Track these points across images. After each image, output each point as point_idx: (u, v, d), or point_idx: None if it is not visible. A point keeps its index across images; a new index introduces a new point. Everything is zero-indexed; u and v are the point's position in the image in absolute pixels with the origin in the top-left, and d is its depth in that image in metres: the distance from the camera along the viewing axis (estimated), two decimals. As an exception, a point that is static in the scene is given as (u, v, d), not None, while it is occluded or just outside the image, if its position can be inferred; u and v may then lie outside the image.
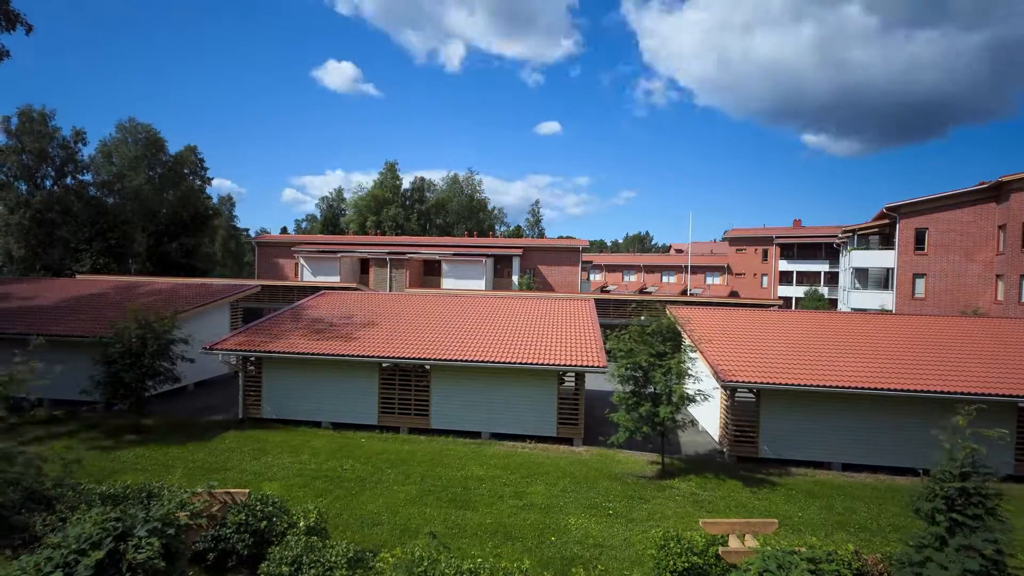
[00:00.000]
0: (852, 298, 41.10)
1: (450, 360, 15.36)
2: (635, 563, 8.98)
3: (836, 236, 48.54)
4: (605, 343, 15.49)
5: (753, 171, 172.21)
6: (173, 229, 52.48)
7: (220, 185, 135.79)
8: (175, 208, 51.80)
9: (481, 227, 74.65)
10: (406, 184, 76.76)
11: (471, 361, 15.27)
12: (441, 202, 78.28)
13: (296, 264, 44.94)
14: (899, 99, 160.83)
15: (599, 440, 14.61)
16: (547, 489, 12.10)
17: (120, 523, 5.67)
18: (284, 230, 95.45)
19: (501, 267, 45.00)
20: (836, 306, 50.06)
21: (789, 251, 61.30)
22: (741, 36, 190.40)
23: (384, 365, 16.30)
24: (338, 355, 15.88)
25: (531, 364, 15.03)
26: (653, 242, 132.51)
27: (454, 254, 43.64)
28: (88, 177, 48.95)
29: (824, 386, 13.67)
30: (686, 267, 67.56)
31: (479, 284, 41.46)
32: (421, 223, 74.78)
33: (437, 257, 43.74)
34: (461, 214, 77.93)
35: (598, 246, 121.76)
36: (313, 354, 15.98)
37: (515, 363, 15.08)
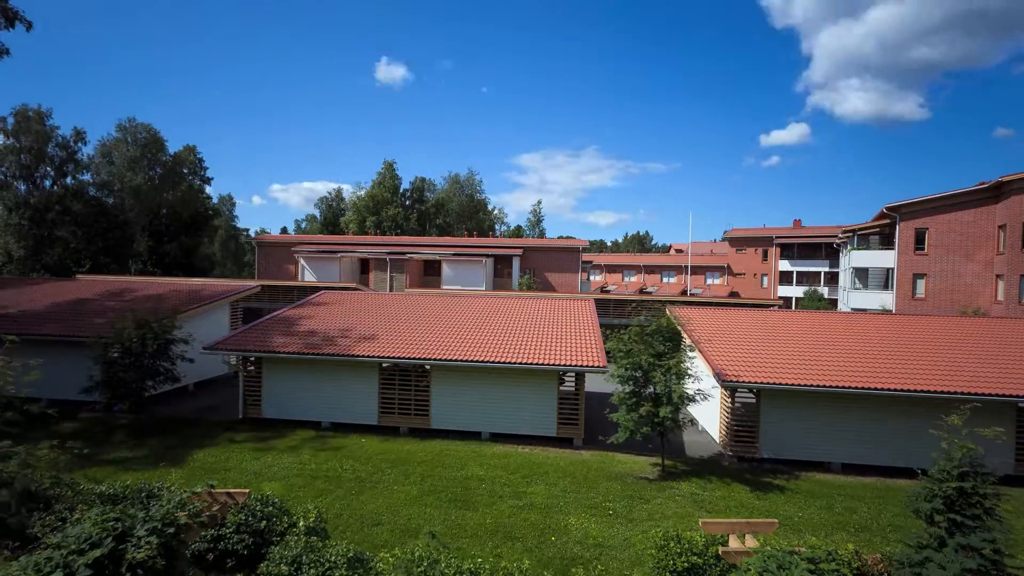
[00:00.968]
0: (852, 298, 41.11)
1: (450, 360, 15.36)
2: (635, 563, 8.99)
3: (836, 236, 48.55)
4: (605, 343, 15.49)
5: (753, 170, 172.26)
6: (173, 229, 52.50)
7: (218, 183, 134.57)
8: (175, 208, 51.81)
9: (481, 227, 74.64)
10: (405, 184, 76.75)
11: (471, 361, 15.27)
12: (441, 202, 78.28)
13: (296, 264, 44.94)
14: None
15: (599, 440, 14.61)
16: (547, 489, 12.10)
17: (120, 523, 5.67)
18: (284, 230, 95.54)
19: (501, 267, 45.00)
20: (836, 306, 50.06)
21: (789, 251, 61.30)
22: None
23: (384, 365, 16.31)
24: (338, 355, 15.88)
25: (531, 364, 15.03)
26: (653, 242, 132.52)
27: (454, 254, 43.63)
28: (88, 177, 48.98)
29: (824, 386, 13.67)
30: (686, 267, 67.58)
31: (479, 284, 41.46)
32: (421, 223, 74.77)
33: (437, 257, 43.73)
34: (461, 214, 77.94)
35: (598, 246, 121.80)
36: (313, 354, 15.98)
37: (515, 363, 15.08)
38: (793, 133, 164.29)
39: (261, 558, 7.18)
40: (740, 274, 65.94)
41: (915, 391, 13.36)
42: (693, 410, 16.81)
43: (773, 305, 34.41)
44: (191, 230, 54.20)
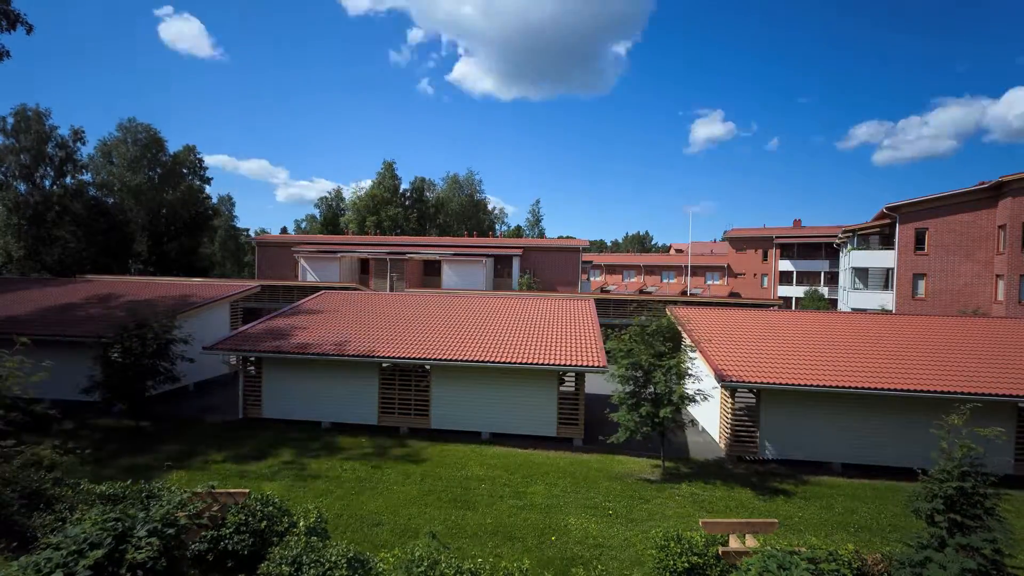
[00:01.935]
0: (852, 298, 41.11)
1: (450, 360, 15.36)
2: (635, 563, 8.98)
3: (836, 236, 48.54)
4: (605, 343, 15.49)
5: (753, 170, 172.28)
6: (173, 229, 52.53)
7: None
8: (175, 208, 51.83)
9: (481, 227, 74.65)
10: (405, 184, 76.77)
11: (471, 361, 15.27)
12: (441, 202, 78.29)
13: (296, 264, 44.94)
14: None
15: (599, 440, 14.60)
16: (547, 489, 12.10)
17: (120, 523, 5.68)
18: (284, 230, 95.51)
19: (501, 267, 44.99)
20: (836, 306, 50.06)
21: (789, 251, 61.30)
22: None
23: (384, 365, 16.30)
24: (338, 355, 15.88)
25: (531, 364, 15.03)
26: (653, 242, 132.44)
27: (454, 254, 43.63)
28: (87, 177, 48.98)
29: (824, 386, 13.66)
30: (686, 267, 67.57)
31: (479, 284, 41.45)
32: (421, 223, 74.77)
33: (437, 257, 43.73)
34: (461, 214, 77.94)
35: (598, 246, 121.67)
36: (313, 354, 15.98)
37: (515, 363, 15.08)
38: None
39: (261, 558, 7.17)
40: (740, 274, 65.93)
41: (915, 391, 13.35)
42: (693, 410, 16.80)
43: (773, 305, 34.44)
44: (191, 230, 54.23)
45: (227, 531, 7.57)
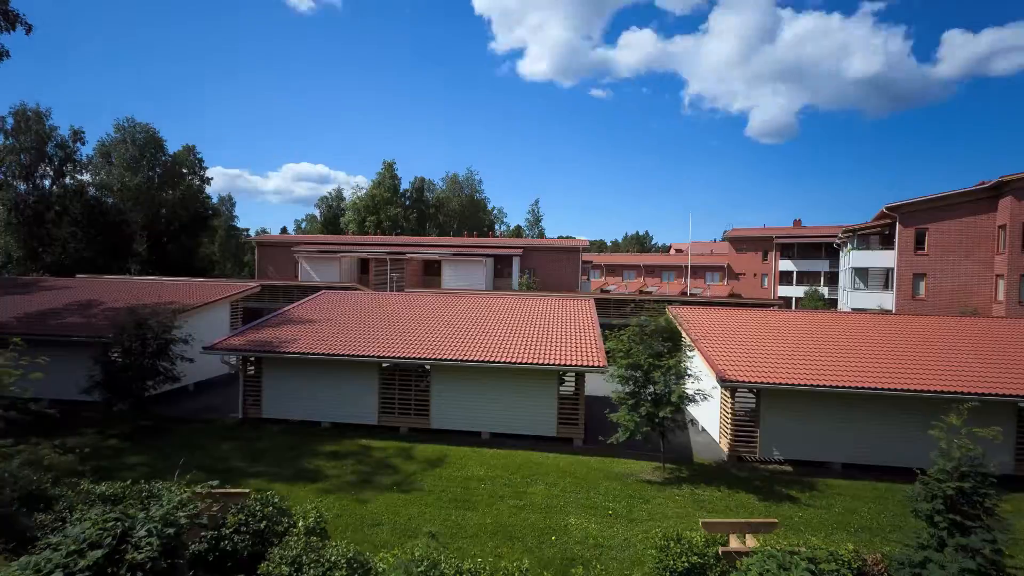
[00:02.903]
0: (852, 298, 41.12)
1: (450, 360, 15.36)
2: (635, 563, 8.98)
3: (836, 236, 48.55)
4: (605, 343, 15.49)
5: (753, 170, 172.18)
6: (172, 229, 52.51)
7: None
8: (174, 208, 51.82)
9: (481, 227, 74.65)
10: (405, 184, 76.80)
11: (471, 361, 15.27)
12: (441, 202, 78.29)
13: (296, 264, 44.94)
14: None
15: (599, 440, 14.61)
16: (547, 489, 12.10)
17: (120, 523, 5.67)
18: (284, 230, 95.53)
19: (501, 267, 45.00)
20: (836, 306, 50.06)
21: (789, 251, 61.30)
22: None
23: (384, 365, 16.30)
24: (338, 355, 15.88)
25: (531, 364, 15.03)
26: (653, 242, 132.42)
27: (454, 254, 43.65)
28: (87, 177, 48.97)
29: (824, 386, 13.67)
30: (686, 267, 67.57)
31: (479, 284, 41.46)
32: (421, 223, 74.78)
33: (437, 257, 43.74)
34: (461, 214, 77.95)
35: (598, 246, 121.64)
36: (313, 354, 15.98)
37: (515, 363, 15.08)
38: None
39: (262, 558, 7.17)
40: (740, 274, 65.94)
41: (915, 391, 13.36)
42: (693, 410, 16.81)
43: (773, 305, 34.45)
44: (191, 230, 54.22)
45: (227, 531, 7.57)
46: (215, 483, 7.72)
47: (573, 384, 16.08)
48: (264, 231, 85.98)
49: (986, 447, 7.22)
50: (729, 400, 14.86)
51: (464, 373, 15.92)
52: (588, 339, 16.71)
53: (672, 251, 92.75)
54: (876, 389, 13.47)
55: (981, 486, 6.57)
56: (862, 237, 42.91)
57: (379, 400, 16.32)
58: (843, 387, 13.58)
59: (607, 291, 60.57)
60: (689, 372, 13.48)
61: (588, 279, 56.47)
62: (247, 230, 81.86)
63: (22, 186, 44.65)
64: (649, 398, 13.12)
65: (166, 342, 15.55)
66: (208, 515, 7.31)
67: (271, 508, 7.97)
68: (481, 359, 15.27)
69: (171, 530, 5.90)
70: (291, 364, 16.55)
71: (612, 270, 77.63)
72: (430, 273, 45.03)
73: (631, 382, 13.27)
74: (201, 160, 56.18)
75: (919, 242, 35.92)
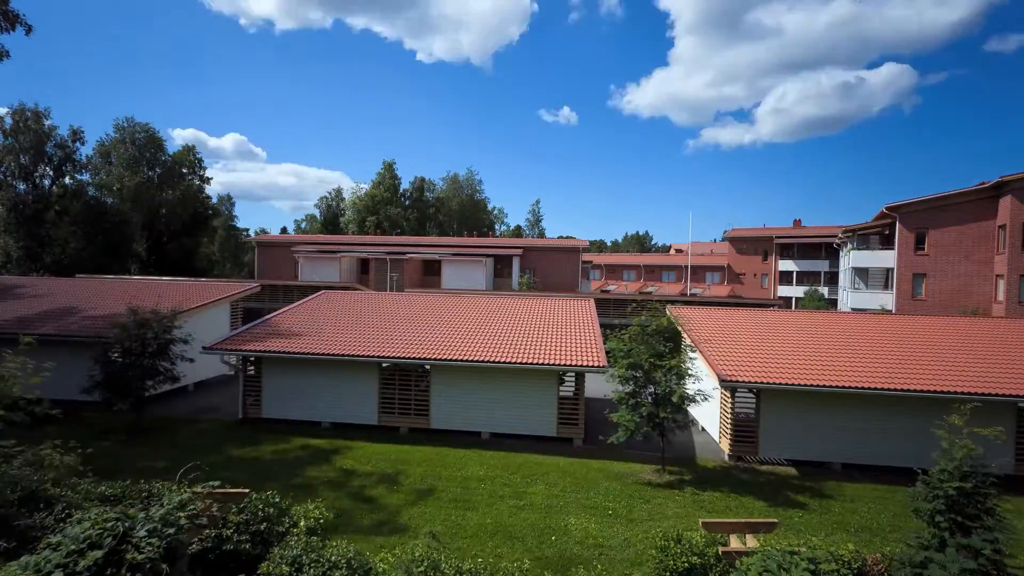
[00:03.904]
0: (852, 298, 41.12)
1: (450, 360, 15.35)
2: (635, 563, 8.98)
3: (836, 236, 48.55)
4: (605, 343, 15.48)
5: (754, 171, 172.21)
6: (172, 229, 52.49)
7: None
8: (174, 208, 51.79)
9: (481, 227, 74.64)
10: (405, 183, 76.79)
11: (471, 361, 15.27)
12: (441, 201, 78.27)
13: (296, 264, 44.92)
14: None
15: (599, 440, 14.61)
16: (547, 489, 12.10)
17: (120, 523, 5.66)
18: (284, 230, 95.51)
19: (501, 267, 44.99)
20: (836, 306, 50.05)
21: (789, 251, 61.30)
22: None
23: (384, 365, 16.30)
24: (338, 355, 15.87)
25: (531, 364, 15.02)
26: (653, 242, 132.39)
27: (454, 254, 43.63)
28: (86, 176, 48.96)
29: (824, 386, 13.66)
30: (686, 267, 67.55)
31: (479, 284, 41.45)
32: (421, 223, 74.78)
33: (437, 257, 43.73)
34: (461, 214, 77.94)
35: (598, 246, 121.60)
36: (313, 354, 15.97)
37: (515, 363, 15.08)
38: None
39: (262, 558, 7.17)
40: (740, 274, 65.94)
41: (915, 391, 13.35)
42: (693, 410, 16.80)
43: (773, 305, 34.45)
44: (190, 230, 54.20)
45: (227, 531, 7.57)
46: (215, 483, 7.71)
47: (573, 384, 16.07)
48: (264, 231, 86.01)
49: (986, 447, 7.22)
50: (729, 400, 14.86)
51: (464, 373, 15.92)
52: (588, 339, 16.70)
53: (672, 251, 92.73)
54: (876, 389, 13.46)
55: (983, 486, 6.57)
56: (862, 237, 42.91)
57: (379, 400, 16.31)
58: (843, 387, 13.58)
59: (607, 291, 60.58)
60: (690, 372, 13.47)
61: (588, 279, 56.50)
62: (247, 230, 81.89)
63: (21, 186, 44.63)
64: (650, 398, 13.11)
65: (166, 342, 15.54)
66: (208, 515, 7.30)
67: (271, 508, 7.97)
68: (481, 359, 15.27)
69: (171, 530, 5.89)
70: (291, 364, 16.54)
71: (612, 270, 77.60)
72: (430, 273, 45.02)
73: (632, 382, 13.27)
74: (200, 160, 56.21)
75: (919, 242, 35.92)
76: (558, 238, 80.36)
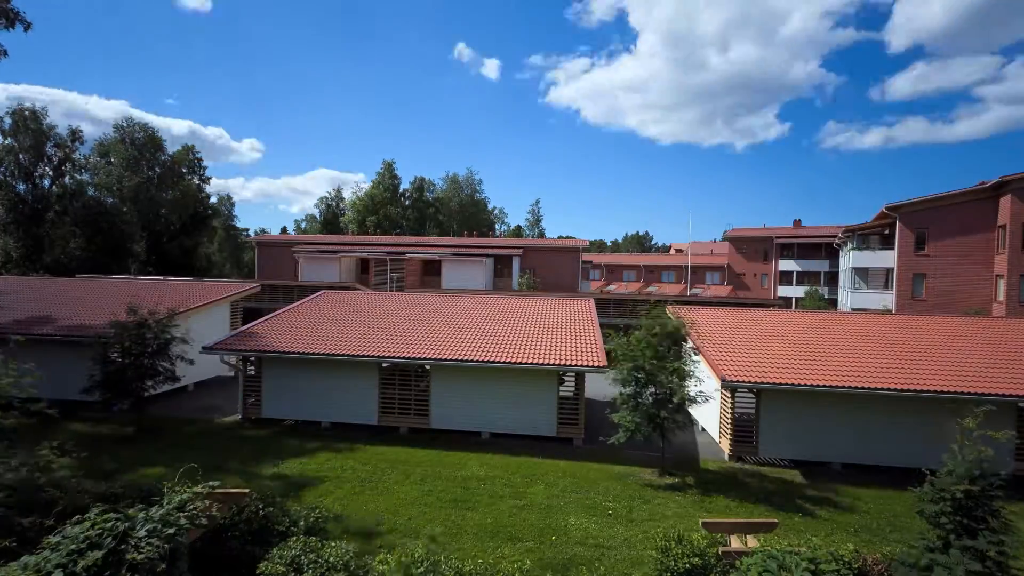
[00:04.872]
0: (852, 298, 41.12)
1: (450, 360, 15.34)
2: (636, 563, 8.97)
3: (836, 236, 48.55)
4: (605, 343, 15.46)
5: (753, 170, 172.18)
6: (172, 229, 52.48)
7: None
8: (174, 208, 51.78)
9: (481, 227, 74.64)
10: (405, 183, 76.80)
11: (471, 361, 15.25)
12: (441, 201, 78.26)
13: (296, 264, 44.91)
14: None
15: (599, 440, 14.59)
16: (547, 489, 12.08)
17: (120, 523, 5.66)
18: (284, 230, 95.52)
19: (501, 267, 44.98)
20: (836, 306, 50.05)
21: (789, 251, 61.30)
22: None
23: (384, 365, 16.28)
24: (338, 355, 15.86)
25: (531, 364, 15.01)
26: (653, 242, 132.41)
27: (454, 254, 43.62)
28: (86, 176, 48.90)
29: (824, 386, 13.64)
30: (686, 267, 67.54)
31: (479, 284, 41.44)
32: (421, 223, 74.78)
33: (437, 257, 43.72)
34: (461, 214, 77.93)
35: (598, 246, 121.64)
36: (313, 354, 15.96)
37: (515, 363, 15.06)
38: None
39: (261, 558, 7.16)
40: (740, 274, 65.93)
41: (915, 391, 13.32)
42: (693, 410, 16.77)
43: (773, 305, 34.42)
44: (190, 230, 54.19)
45: (227, 531, 7.56)
46: (215, 483, 7.70)
47: (573, 384, 16.05)
48: (264, 231, 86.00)
49: (992, 450, 7.19)
50: (729, 400, 14.84)
51: (464, 373, 15.90)
52: (588, 339, 16.68)
53: (672, 251, 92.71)
54: (876, 389, 13.44)
55: (991, 488, 6.55)
56: (862, 237, 42.90)
57: (379, 400, 16.29)
58: (843, 387, 13.55)
59: (607, 291, 60.58)
60: (691, 373, 13.44)
61: (588, 279, 56.51)
62: (247, 230, 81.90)
63: (21, 186, 44.58)
64: (651, 399, 13.09)
65: (166, 342, 15.53)
66: (208, 515, 7.29)
67: (271, 508, 7.97)
68: (481, 359, 15.25)
69: (171, 530, 5.88)
70: (291, 364, 16.52)
71: (612, 270, 77.57)
72: (430, 273, 45.01)
73: (633, 383, 13.24)
74: (200, 159, 56.20)
75: (919, 242, 35.91)
76: (558, 238, 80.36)
